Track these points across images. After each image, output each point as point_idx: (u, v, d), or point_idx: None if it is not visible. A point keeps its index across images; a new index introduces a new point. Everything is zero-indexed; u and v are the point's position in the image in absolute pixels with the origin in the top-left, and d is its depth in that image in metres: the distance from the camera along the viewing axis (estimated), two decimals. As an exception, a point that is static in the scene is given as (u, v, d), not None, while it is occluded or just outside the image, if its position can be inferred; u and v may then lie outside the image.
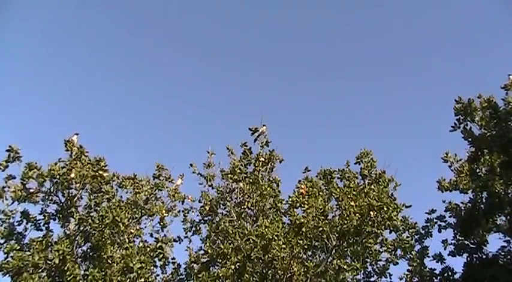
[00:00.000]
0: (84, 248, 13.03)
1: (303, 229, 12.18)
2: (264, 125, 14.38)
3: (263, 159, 14.25)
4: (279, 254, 11.69)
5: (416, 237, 13.88)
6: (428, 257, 13.83)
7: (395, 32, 37.58)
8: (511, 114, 12.91)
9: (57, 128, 33.17)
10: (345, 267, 12.24)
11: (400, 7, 36.56)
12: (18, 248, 12.46)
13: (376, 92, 37.09)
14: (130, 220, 13.24)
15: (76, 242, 12.82)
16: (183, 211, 14.62)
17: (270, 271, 12.03)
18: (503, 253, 13.38)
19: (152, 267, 12.73)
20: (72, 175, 12.98)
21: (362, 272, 13.09)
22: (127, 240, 12.92)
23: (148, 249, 12.44)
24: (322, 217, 12.41)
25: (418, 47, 36.79)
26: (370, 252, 12.93)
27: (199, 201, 14.29)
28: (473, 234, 13.62)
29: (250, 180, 13.76)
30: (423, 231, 14.02)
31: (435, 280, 13.62)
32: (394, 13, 36.83)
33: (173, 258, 13.78)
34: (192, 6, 37.77)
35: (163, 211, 14.11)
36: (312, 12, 37.21)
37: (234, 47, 39.95)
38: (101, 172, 13.46)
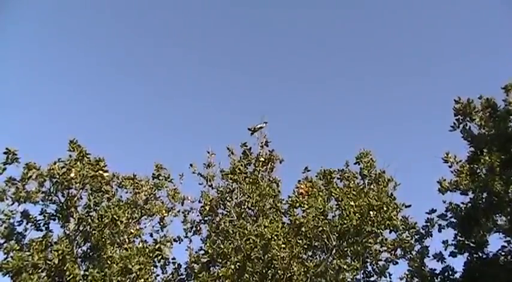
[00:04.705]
0: (84, 248, 13.04)
1: (303, 229, 12.19)
2: (265, 123, 14.34)
3: (263, 160, 14.26)
4: (278, 253, 11.69)
5: (416, 237, 13.87)
6: (429, 256, 13.83)
7: (396, 31, 37.49)
8: (510, 113, 12.91)
9: (57, 128, 33.06)
10: (345, 267, 12.26)
11: (401, 6, 36.47)
12: (18, 248, 12.45)
13: (376, 92, 36.97)
14: (130, 220, 13.25)
15: (76, 242, 12.83)
16: (183, 211, 14.66)
17: (270, 271, 12.02)
18: (503, 253, 13.36)
19: (152, 268, 12.71)
20: (72, 175, 12.95)
21: (362, 271, 13.13)
22: (127, 240, 12.92)
23: (147, 250, 12.41)
24: (322, 217, 12.39)
25: (419, 46, 36.69)
26: (370, 252, 12.96)
27: (200, 202, 14.31)
28: (474, 234, 13.61)
29: (250, 180, 13.76)
30: (423, 231, 14.01)
31: (435, 280, 13.61)
32: (394, 12, 36.75)
33: (173, 258, 13.83)
34: (191, 4, 37.67)
35: (163, 211, 14.13)
36: (312, 11, 37.17)
37: (234, 45, 39.93)
38: (101, 172, 13.45)
